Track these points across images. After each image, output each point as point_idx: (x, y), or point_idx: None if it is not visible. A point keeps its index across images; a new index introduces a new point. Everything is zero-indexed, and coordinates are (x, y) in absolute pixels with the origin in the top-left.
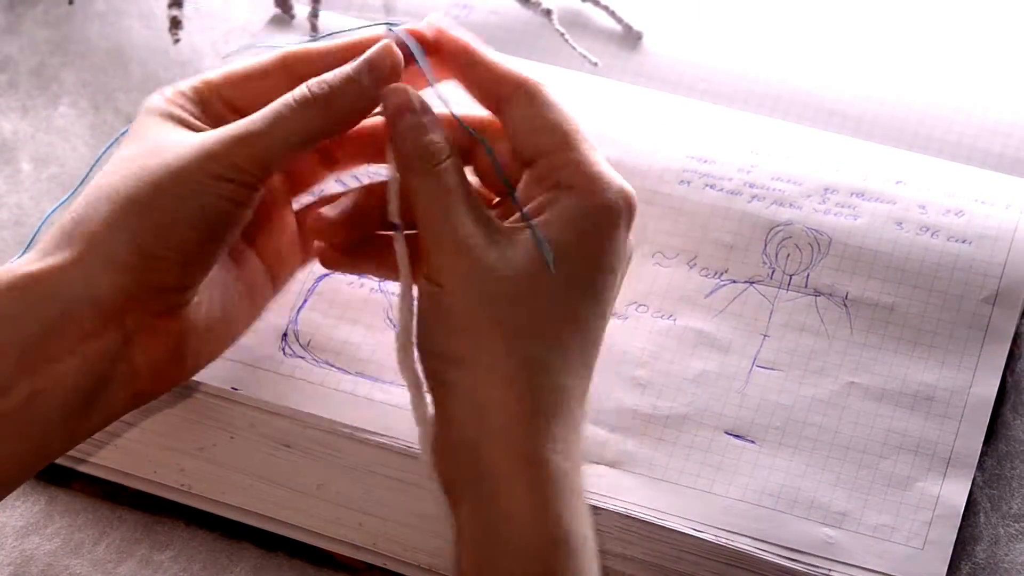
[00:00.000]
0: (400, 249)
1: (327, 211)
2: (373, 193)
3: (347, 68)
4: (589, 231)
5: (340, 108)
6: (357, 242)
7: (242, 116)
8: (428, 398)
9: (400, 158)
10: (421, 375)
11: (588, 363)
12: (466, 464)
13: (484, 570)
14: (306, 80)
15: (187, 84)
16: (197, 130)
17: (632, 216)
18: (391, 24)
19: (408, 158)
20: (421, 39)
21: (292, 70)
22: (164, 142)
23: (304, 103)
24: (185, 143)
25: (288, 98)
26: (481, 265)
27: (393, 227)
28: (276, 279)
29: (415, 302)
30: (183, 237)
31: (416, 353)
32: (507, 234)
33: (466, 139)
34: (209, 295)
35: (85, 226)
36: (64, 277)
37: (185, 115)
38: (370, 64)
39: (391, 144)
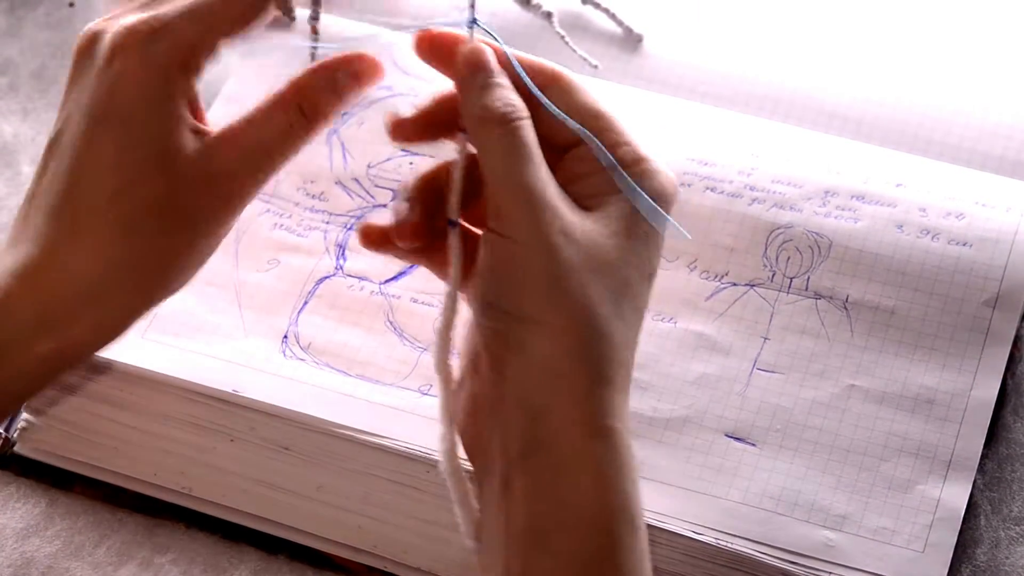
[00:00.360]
0: (455, 245)
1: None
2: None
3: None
4: (652, 215)
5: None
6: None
7: None
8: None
9: (473, 115)
10: (455, 369)
11: (637, 339)
12: (526, 430)
13: (543, 540)
14: None
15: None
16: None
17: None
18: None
19: (484, 112)
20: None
21: None
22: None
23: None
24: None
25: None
26: (562, 225)
27: (449, 224)
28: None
29: (460, 303)
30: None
31: (470, 317)
32: (579, 203)
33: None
34: None
35: None
36: None
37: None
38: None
39: (462, 105)
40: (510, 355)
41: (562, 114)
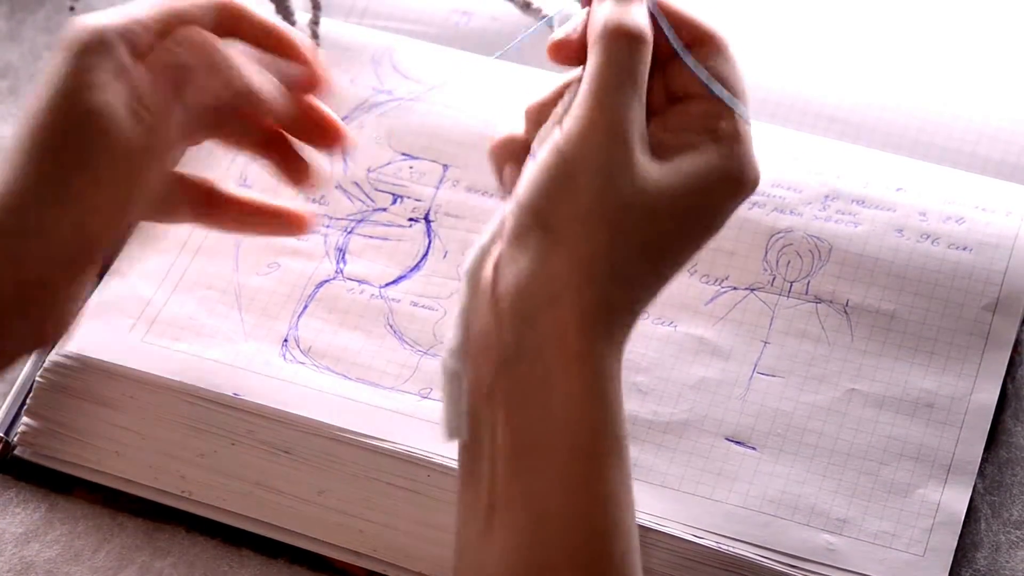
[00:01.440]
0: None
1: None
2: None
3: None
4: (723, 192)
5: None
6: None
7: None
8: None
9: (597, 23)
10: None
11: (658, 291)
12: (516, 335)
13: (528, 457)
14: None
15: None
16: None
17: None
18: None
19: (609, 23)
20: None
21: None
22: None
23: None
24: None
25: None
26: (629, 163)
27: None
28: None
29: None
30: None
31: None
32: (657, 150)
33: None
34: None
35: None
36: None
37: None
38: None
39: (591, 14)
40: (521, 255)
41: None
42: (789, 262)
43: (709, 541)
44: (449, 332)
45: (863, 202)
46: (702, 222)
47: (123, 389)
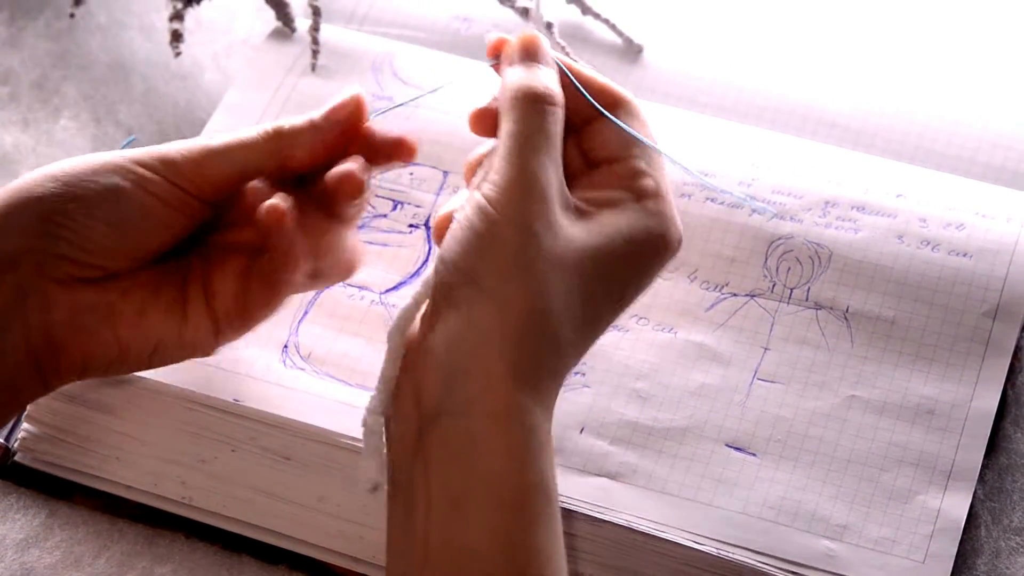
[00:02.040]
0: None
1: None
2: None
3: (311, 113)
4: (647, 250)
5: (298, 144)
6: None
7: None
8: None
9: (510, 88)
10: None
11: (586, 347)
12: (444, 388)
13: (460, 509)
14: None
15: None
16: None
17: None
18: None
19: (521, 88)
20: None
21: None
22: None
23: (266, 135)
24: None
25: (252, 129)
26: (549, 218)
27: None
28: (219, 335)
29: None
30: (90, 214)
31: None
32: (579, 211)
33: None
34: (137, 311)
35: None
36: None
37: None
38: (331, 110)
39: (503, 79)
40: (449, 309)
41: (597, 104)
42: (789, 268)
43: (709, 547)
44: (373, 391)
45: (863, 208)
46: (627, 280)
47: (123, 395)
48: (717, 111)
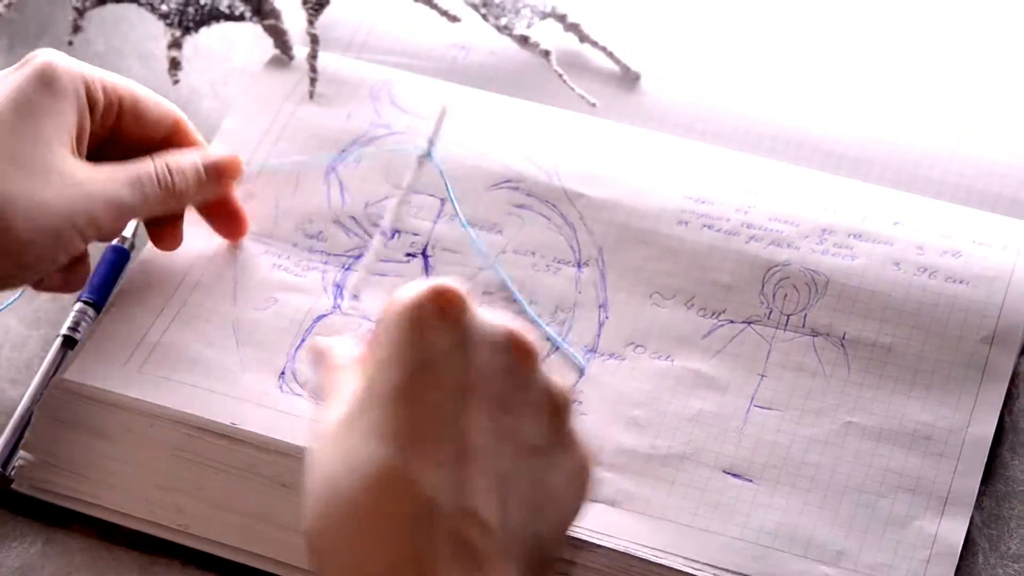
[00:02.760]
0: None
1: None
2: None
3: (198, 164)
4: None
5: (188, 197)
6: None
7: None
8: None
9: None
10: None
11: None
12: None
13: None
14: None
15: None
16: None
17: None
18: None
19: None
20: None
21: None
22: (47, 165)
23: (167, 190)
24: (63, 178)
25: (152, 178)
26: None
27: None
28: None
29: None
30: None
31: None
32: None
33: None
34: None
35: None
36: None
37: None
38: (216, 166)
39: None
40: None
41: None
42: (786, 295)
43: (706, 573)
44: None
45: (860, 236)
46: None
47: (120, 420)
48: (714, 138)
